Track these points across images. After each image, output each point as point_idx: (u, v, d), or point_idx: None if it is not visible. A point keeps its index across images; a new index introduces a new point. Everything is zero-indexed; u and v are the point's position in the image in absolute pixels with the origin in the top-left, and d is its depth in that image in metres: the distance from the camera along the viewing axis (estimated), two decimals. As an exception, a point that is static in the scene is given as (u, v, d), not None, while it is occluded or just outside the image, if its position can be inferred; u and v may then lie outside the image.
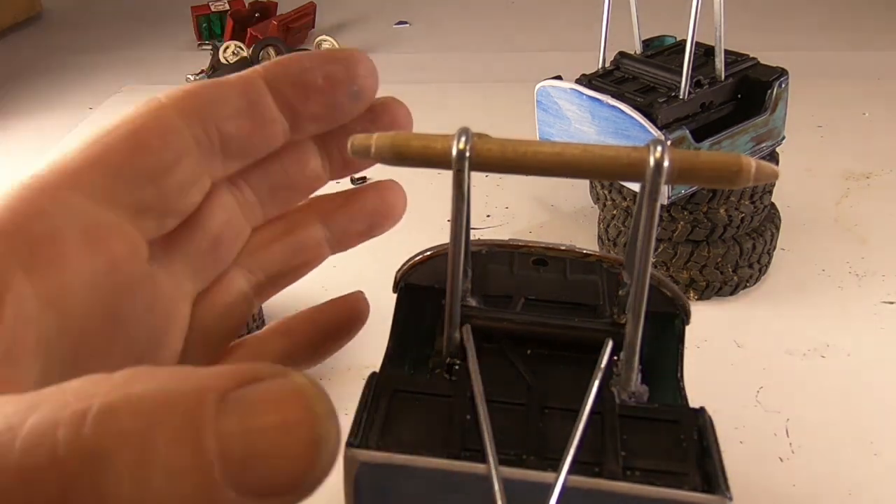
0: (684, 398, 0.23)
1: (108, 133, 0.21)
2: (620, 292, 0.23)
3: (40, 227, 0.19)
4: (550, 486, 0.18)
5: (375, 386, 0.21)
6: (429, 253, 0.25)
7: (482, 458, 0.18)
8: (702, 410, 0.21)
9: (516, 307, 0.24)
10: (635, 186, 0.40)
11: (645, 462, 0.19)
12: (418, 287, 0.25)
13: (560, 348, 0.23)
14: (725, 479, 0.19)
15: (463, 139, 0.20)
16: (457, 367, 0.22)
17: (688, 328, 0.24)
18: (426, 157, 0.20)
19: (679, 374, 0.23)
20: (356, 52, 0.24)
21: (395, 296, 0.26)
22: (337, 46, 1.06)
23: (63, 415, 0.13)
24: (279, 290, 0.27)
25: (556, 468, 0.18)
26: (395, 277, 0.25)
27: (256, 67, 0.24)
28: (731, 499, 0.18)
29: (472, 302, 0.23)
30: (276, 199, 0.26)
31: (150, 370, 0.14)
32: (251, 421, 0.14)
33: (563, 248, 0.26)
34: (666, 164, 0.18)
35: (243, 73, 0.24)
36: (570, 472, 0.18)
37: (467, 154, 0.19)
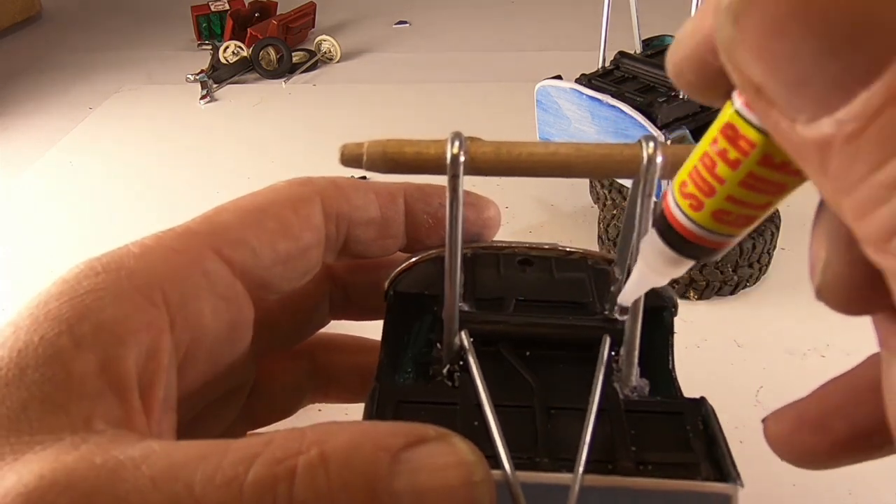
0: (678, 388, 0.23)
1: (261, 207, 0.23)
2: (612, 288, 0.23)
3: (188, 287, 0.20)
4: (566, 487, 0.18)
5: (379, 398, 0.21)
6: (414, 259, 0.25)
7: (496, 464, 0.18)
8: (702, 400, 0.21)
9: (508, 309, 0.24)
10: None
11: (655, 455, 0.19)
12: (408, 294, 0.25)
13: (557, 348, 0.23)
14: (735, 466, 0.19)
15: (456, 143, 0.19)
16: (457, 374, 0.22)
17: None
18: (420, 163, 0.20)
19: (671, 365, 0.23)
20: (490, 202, 0.26)
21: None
22: (337, 46, 1.06)
23: (278, 471, 0.15)
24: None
25: (571, 468, 0.19)
26: (384, 286, 0.25)
27: (402, 186, 0.26)
28: (742, 486, 0.18)
29: (465, 306, 0.23)
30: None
31: (338, 426, 0.16)
32: (418, 482, 0.15)
33: (546, 247, 0.26)
34: (659, 159, 0.18)
35: (391, 186, 0.25)
36: (584, 471, 0.18)
37: (461, 158, 0.19)
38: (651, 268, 0.17)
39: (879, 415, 0.15)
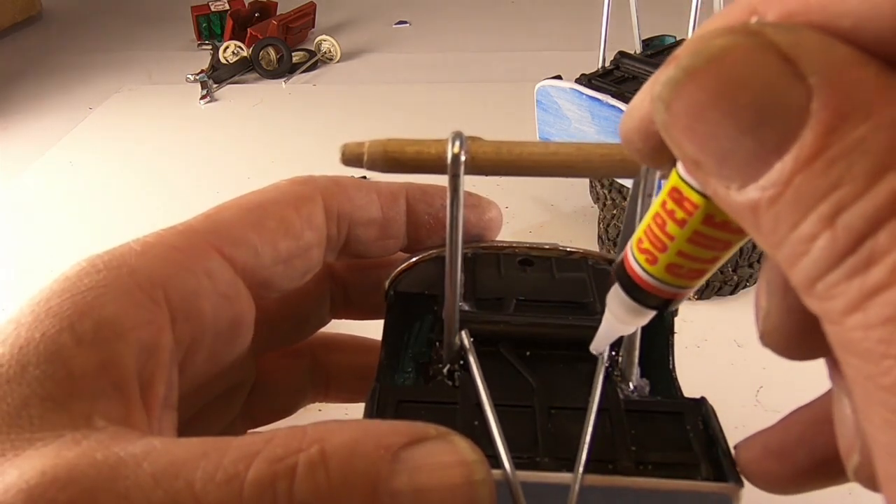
0: (678, 388, 0.23)
1: (263, 206, 0.23)
2: None
3: (189, 285, 0.20)
4: (567, 487, 0.18)
5: (379, 398, 0.21)
6: (415, 259, 0.25)
7: (496, 464, 0.18)
8: (703, 400, 0.21)
9: (509, 309, 0.24)
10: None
11: (655, 455, 0.19)
12: (408, 294, 0.25)
13: (557, 347, 0.23)
14: (735, 466, 0.19)
15: (457, 143, 0.20)
16: (457, 374, 0.22)
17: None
18: (420, 162, 0.20)
19: (671, 365, 0.23)
20: (492, 204, 0.26)
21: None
22: (337, 46, 1.06)
23: (278, 468, 0.15)
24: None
25: (571, 468, 0.19)
26: (385, 285, 0.25)
27: (404, 186, 0.25)
28: (742, 486, 0.18)
29: (465, 306, 0.23)
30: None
31: (338, 424, 0.16)
32: (419, 481, 0.15)
33: (546, 247, 0.26)
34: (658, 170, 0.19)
35: (392, 186, 0.25)
36: (585, 471, 0.18)
37: (462, 158, 0.19)
38: (616, 317, 0.18)
39: (836, 445, 0.16)
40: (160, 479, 0.15)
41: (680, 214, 0.15)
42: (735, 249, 0.15)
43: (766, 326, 0.16)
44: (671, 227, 0.15)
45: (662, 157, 0.14)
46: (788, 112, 0.11)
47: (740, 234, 0.15)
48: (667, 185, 0.15)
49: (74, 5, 1.43)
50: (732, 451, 0.19)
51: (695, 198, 0.14)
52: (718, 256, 0.15)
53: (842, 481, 0.17)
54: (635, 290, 0.17)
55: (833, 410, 0.16)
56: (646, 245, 0.16)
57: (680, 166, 0.15)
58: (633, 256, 0.16)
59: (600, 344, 0.20)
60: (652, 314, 0.18)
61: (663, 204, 0.15)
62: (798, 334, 0.15)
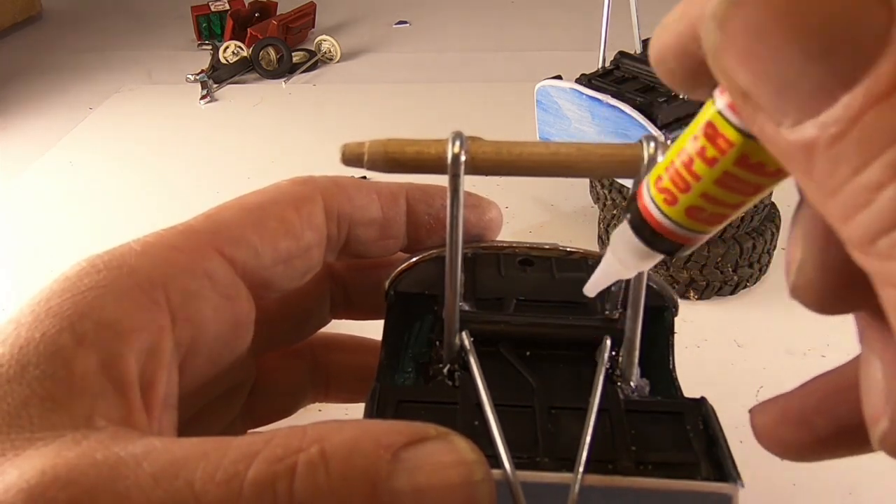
0: (678, 388, 0.23)
1: (263, 206, 0.23)
2: (612, 288, 0.23)
3: (189, 285, 0.20)
4: (567, 487, 0.18)
5: (379, 398, 0.21)
6: (415, 259, 0.25)
7: (496, 464, 0.18)
8: (703, 400, 0.21)
9: (509, 309, 0.24)
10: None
11: (656, 455, 0.19)
12: (408, 294, 0.25)
13: (557, 347, 0.23)
14: (735, 466, 0.19)
15: (457, 143, 0.19)
16: (458, 374, 0.22)
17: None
18: (421, 162, 0.20)
19: (671, 366, 0.23)
20: (492, 204, 0.26)
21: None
22: (337, 46, 1.06)
23: (278, 468, 0.15)
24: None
25: (571, 468, 0.19)
26: (385, 285, 0.25)
27: (404, 186, 0.25)
28: (742, 485, 0.18)
29: (466, 306, 0.23)
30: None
31: (338, 424, 0.16)
32: (418, 481, 0.15)
33: (546, 247, 0.26)
34: (660, 159, 0.18)
35: (392, 186, 0.25)
36: (585, 471, 0.18)
37: (462, 158, 0.19)
38: (620, 260, 0.17)
39: (860, 413, 0.15)
40: (160, 478, 0.15)
41: (711, 152, 0.13)
42: (765, 195, 0.14)
43: (799, 280, 0.15)
44: (698, 165, 0.14)
45: (698, 83, 0.13)
46: (865, 38, 0.10)
47: (775, 177, 0.13)
48: (698, 119, 0.14)
49: (74, 5, 1.43)
50: (737, 443, 0.19)
51: (731, 134, 0.13)
52: (745, 201, 0.14)
53: (863, 451, 0.17)
54: (647, 232, 0.16)
55: (860, 374, 0.15)
56: (665, 184, 0.15)
57: (718, 97, 0.13)
58: (650, 195, 0.15)
59: (595, 287, 0.19)
60: (659, 258, 0.17)
61: (693, 139, 0.14)
62: (833, 289, 0.14)
